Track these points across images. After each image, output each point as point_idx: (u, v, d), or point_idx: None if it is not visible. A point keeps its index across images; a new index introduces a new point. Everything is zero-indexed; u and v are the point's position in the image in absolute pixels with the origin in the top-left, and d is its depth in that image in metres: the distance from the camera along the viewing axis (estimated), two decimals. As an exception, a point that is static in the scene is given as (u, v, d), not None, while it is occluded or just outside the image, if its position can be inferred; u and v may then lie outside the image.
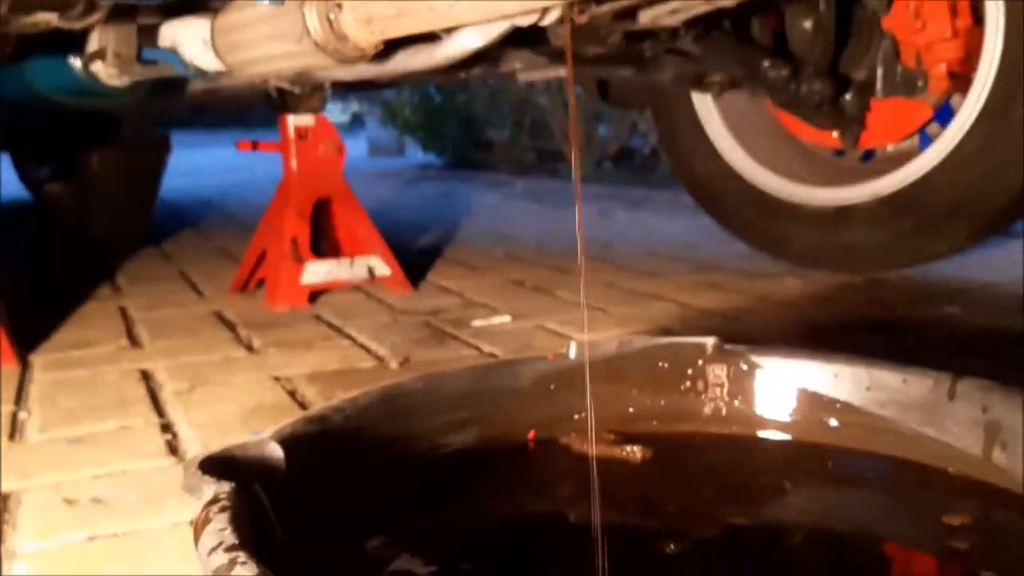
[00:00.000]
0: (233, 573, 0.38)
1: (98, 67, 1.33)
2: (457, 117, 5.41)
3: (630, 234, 2.58)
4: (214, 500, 0.45)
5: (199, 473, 0.48)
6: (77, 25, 1.15)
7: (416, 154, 6.21)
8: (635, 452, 0.66)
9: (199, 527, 0.43)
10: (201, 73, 1.31)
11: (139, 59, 1.31)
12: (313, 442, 0.56)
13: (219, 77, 1.40)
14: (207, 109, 2.51)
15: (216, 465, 0.49)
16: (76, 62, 1.36)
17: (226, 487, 0.46)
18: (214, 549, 0.40)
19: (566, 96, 4.44)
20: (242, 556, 0.39)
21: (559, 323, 1.45)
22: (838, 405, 0.67)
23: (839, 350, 0.71)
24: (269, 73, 1.29)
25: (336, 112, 9.51)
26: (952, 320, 1.38)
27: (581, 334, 1.37)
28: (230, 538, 0.41)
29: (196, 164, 5.89)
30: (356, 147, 6.94)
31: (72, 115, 2.12)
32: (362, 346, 1.32)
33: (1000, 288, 1.61)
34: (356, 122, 9.80)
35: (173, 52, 1.27)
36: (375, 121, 6.69)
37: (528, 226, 2.80)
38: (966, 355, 1.17)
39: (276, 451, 0.53)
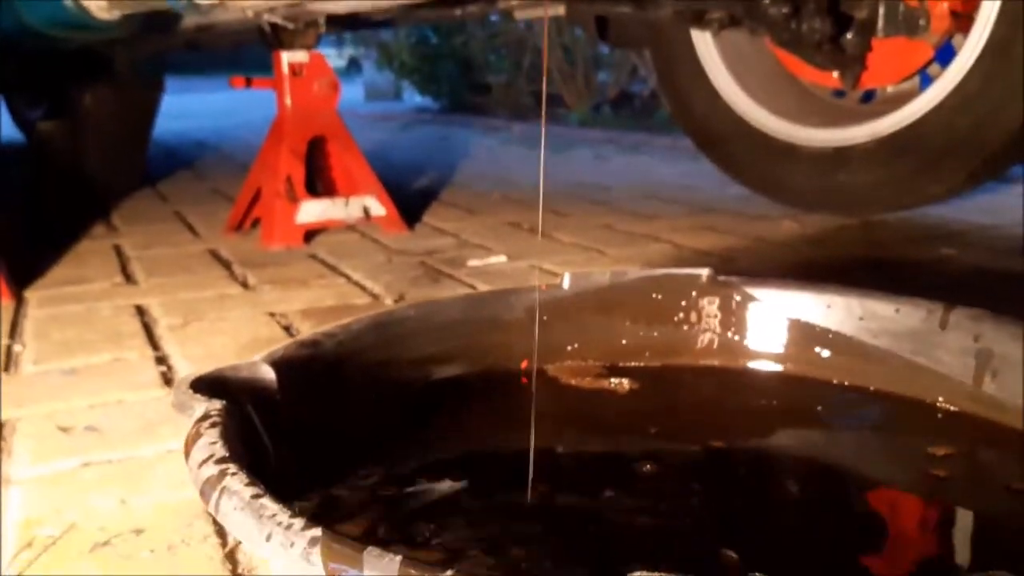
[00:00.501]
0: (223, 484, 0.38)
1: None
2: (454, 60, 5.35)
3: (628, 177, 2.57)
4: (205, 416, 0.45)
5: (190, 391, 0.48)
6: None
7: (413, 98, 6.15)
8: (622, 384, 0.66)
9: (189, 442, 0.43)
10: (193, 6, 1.29)
11: (130, -10, 1.29)
12: (305, 366, 0.56)
13: (211, 11, 1.38)
14: (201, 47, 2.47)
15: (207, 385, 0.49)
16: (66, -6, 1.34)
17: (217, 404, 0.46)
18: (204, 462, 0.41)
19: (564, 39, 4.39)
20: (232, 468, 0.39)
21: (555, 263, 1.44)
22: (830, 335, 0.67)
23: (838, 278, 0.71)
24: (261, 6, 1.27)
25: (332, 57, 9.40)
26: (949, 261, 1.38)
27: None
28: (220, 451, 0.41)
29: (192, 108, 5.84)
30: (352, 92, 6.87)
31: (64, 52, 2.10)
32: (357, 284, 1.32)
33: (998, 230, 1.61)
34: (353, 67, 9.71)
35: (164, -17, 1.25)
36: (372, 65, 6.62)
37: (525, 170, 2.78)
38: (962, 293, 1.16)
39: (268, 373, 0.53)
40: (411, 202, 1.98)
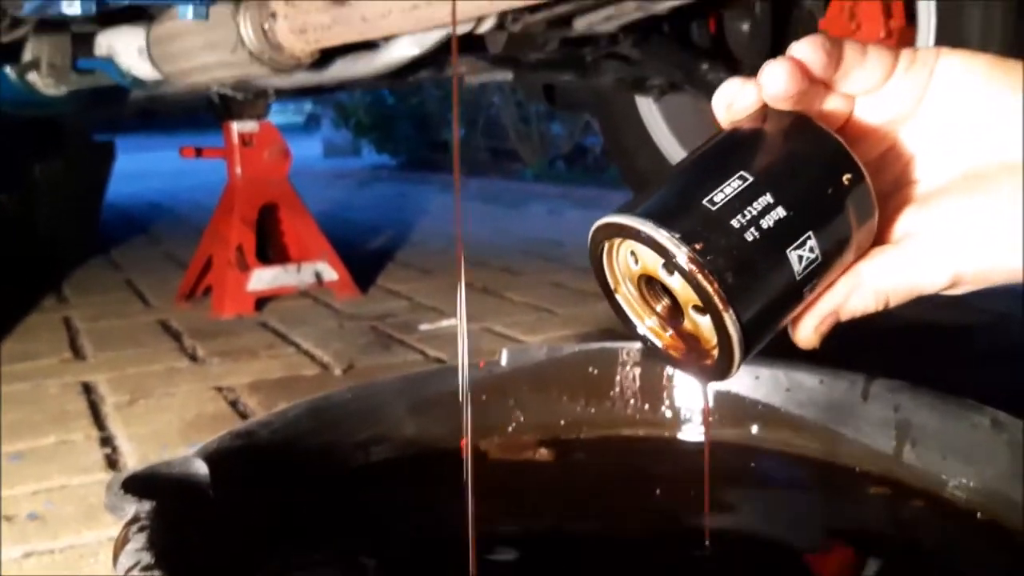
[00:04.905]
0: (147, 593, 0.39)
1: (34, 77, 1.32)
2: (410, 118, 5.40)
3: (581, 233, 2.57)
4: (134, 519, 0.46)
5: (121, 492, 0.48)
6: (4, 39, 1.14)
7: (371, 155, 6.19)
8: (547, 455, 0.68)
9: (118, 548, 0.44)
10: (139, 82, 1.31)
11: (75, 68, 1.30)
12: (240, 457, 0.57)
13: (158, 85, 1.40)
14: (154, 114, 2.48)
15: (140, 483, 0.50)
16: (11, 72, 1.35)
17: (147, 506, 0.47)
18: (131, 569, 0.41)
19: (519, 95, 4.46)
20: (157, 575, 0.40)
21: (506, 325, 1.46)
22: (759, 407, 0.69)
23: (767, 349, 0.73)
24: (207, 82, 1.29)
25: (290, 113, 9.45)
26: (888, 314, 1.41)
27: (527, 337, 1.39)
28: (146, 558, 0.42)
29: (148, 167, 5.82)
30: (311, 147, 6.89)
31: (12, 125, 2.09)
32: (307, 353, 1.33)
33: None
34: (311, 122, 9.74)
35: (109, 61, 1.26)
36: (329, 122, 6.66)
37: (481, 227, 2.81)
38: (896, 348, 1.19)
39: (201, 468, 0.53)
40: (365, 263, 1.99)
